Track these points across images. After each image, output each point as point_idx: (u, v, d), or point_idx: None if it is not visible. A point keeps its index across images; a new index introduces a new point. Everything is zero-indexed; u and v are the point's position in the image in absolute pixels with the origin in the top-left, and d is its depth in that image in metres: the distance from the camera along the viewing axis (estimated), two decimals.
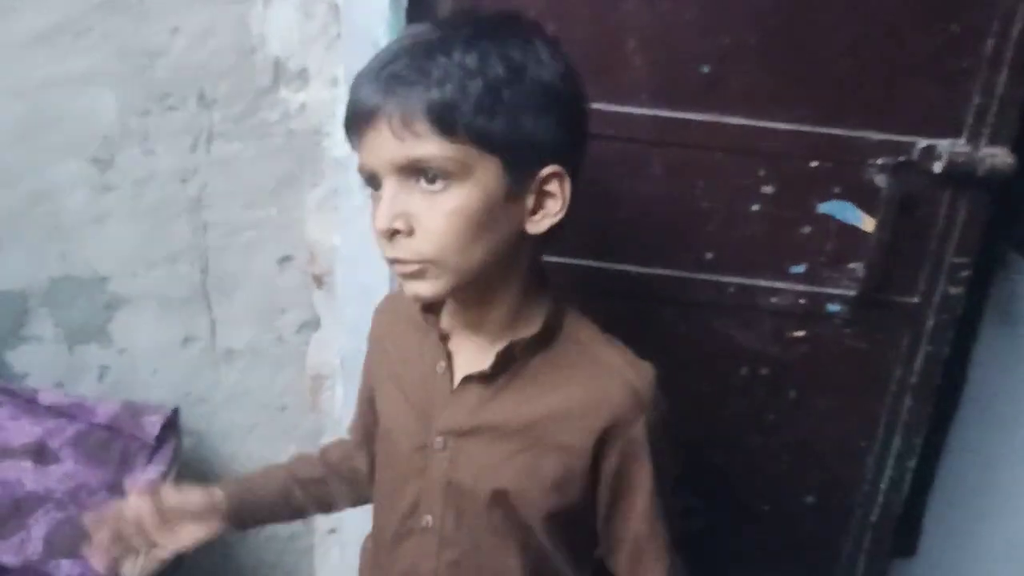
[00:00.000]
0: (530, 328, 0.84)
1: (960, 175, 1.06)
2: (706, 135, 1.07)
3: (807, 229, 1.11)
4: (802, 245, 1.11)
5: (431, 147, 0.74)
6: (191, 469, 1.53)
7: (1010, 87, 1.04)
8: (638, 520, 0.85)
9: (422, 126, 0.74)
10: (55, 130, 1.34)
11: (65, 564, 1.17)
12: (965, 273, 1.11)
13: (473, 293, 0.82)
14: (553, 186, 0.79)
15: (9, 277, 1.42)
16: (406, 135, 0.74)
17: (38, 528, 1.20)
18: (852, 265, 1.11)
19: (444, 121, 0.73)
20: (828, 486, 1.23)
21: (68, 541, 1.20)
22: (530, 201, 0.79)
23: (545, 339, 0.85)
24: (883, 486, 1.22)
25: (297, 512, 1.06)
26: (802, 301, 1.13)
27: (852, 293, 1.12)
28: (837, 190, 1.09)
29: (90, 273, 1.43)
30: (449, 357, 0.88)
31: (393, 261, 0.78)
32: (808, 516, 1.24)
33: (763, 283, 1.13)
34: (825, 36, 1.03)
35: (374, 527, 0.98)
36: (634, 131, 1.07)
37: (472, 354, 0.87)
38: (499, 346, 0.84)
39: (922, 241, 1.11)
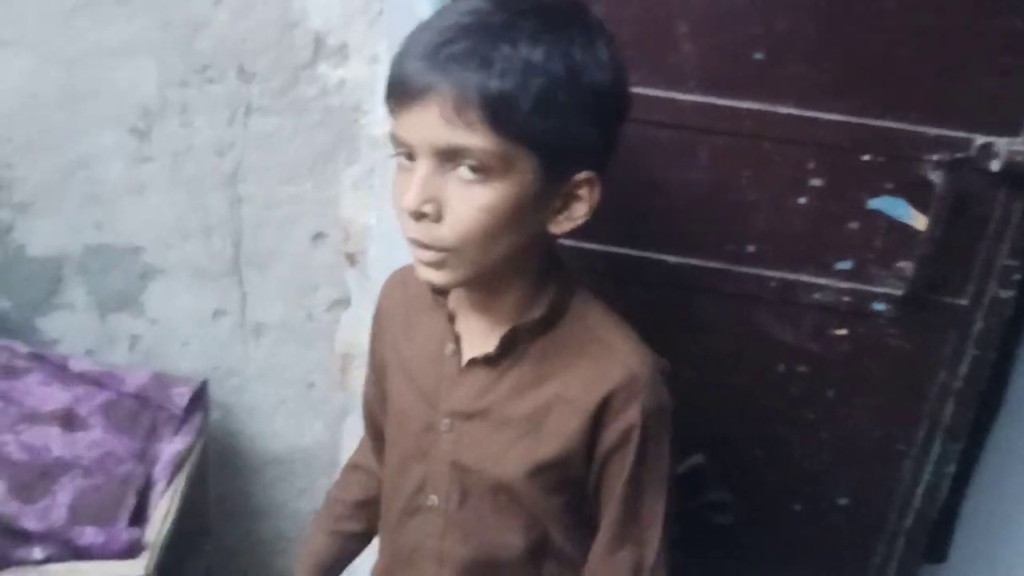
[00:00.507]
0: (536, 311, 0.84)
1: (1017, 175, 1.03)
2: (755, 124, 1.04)
3: (855, 225, 1.07)
4: (849, 241, 1.08)
5: (479, 139, 0.72)
6: (218, 442, 1.53)
7: None
8: (616, 505, 0.84)
9: (475, 115, 0.72)
10: (96, 99, 1.34)
11: (89, 531, 1.18)
12: (1017, 276, 1.08)
13: (485, 280, 0.82)
14: (583, 191, 0.79)
15: (45, 243, 1.43)
16: (457, 121, 0.72)
17: (64, 494, 1.21)
18: (901, 263, 1.08)
19: (499, 115, 0.72)
20: (863, 488, 1.20)
21: (93, 508, 1.20)
22: (557, 203, 0.79)
23: (550, 322, 0.85)
24: (920, 491, 1.19)
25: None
26: (846, 298, 1.10)
27: (899, 292, 1.08)
28: (889, 185, 1.05)
29: (125, 243, 1.44)
30: (457, 339, 0.88)
31: (414, 242, 0.77)
32: (841, 517, 1.22)
33: (806, 278, 1.10)
34: (885, 26, 1.00)
35: (382, 504, 0.98)
36: (681, 118, 1.05)
37: (479, 336, 0.87)
38: (504, 329, 0.84)
39: (974, 241, 1.07)
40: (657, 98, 1.04)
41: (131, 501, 1.24)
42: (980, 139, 1.02)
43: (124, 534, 1.19)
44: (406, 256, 1.25)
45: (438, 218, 0.75)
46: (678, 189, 1.09)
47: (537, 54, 0.72)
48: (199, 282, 1.46)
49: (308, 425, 1.55)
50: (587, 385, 0.82)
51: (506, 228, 0.76)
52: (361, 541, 1.07)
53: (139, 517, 1.24)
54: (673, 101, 1.04)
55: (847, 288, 1.10)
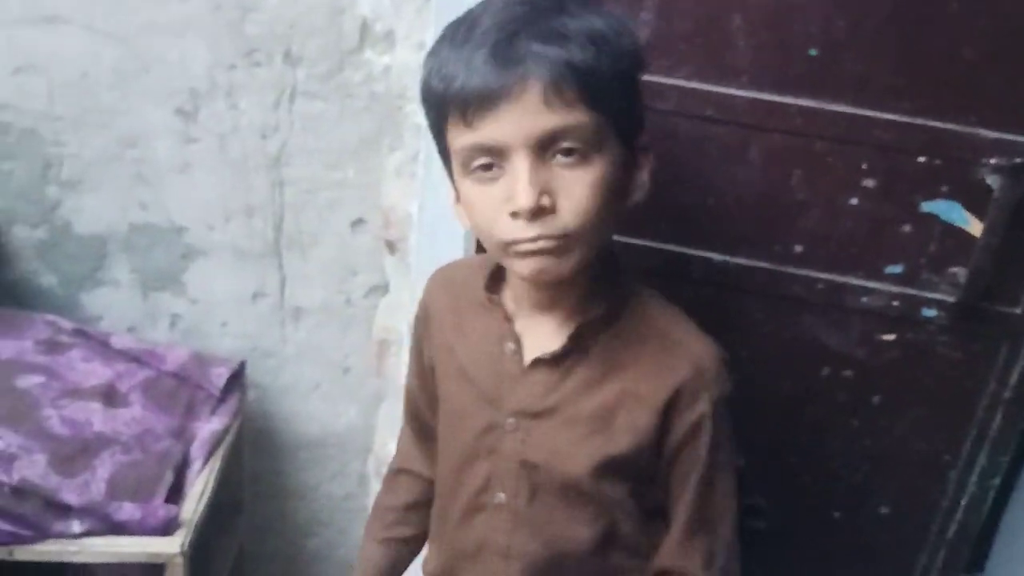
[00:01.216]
0: (598, 307, 0.84)
1: None
2: (808, 122, 1.02)
3: (908, 228, 1.05)
4: (901, 244, 1.05)
5: (579, 115, 0.73)
6: (254, 423, 1.54)
7: None
8: (691, 494, 0.85)
9: (572, 92, 0.72)
10: (145, 79, 1.35)
11: (127, 507, 1.19)
12: None
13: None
14: (643, 157, 0.81)
15: (92, 220, 1.45)
16: (556, 103, 0.72)
17: (103, 469, 1.22)
18: (954, 269, 1.05)
19: (591, 87, 0.72)
20: (905, 498, 1.17)
21: (131, 484, 1.22)
22: (628, 173, 0.80)
23: (613, 317, 0.84)
24: (963, 503, 1.16)
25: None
26: (896, 303, 1.08)
27: (951, 299, 1.06)
28: (944, 189, 1.02)
29: (168, 222, 1.45)
30: (518, 339, 0.87)
31: (527, 240, 0.75)
32: (881, 527, 1.19)
33: (855, 281, 1.08)
34: (947, 26, 0.97)
35: (439, 502, 0.97)
36: (732, 113, 1.03)
37: (541, 335, 0.86)
38: (569, 326, 0.84)
39: None
40: (709, 93, 1.02)
41: (168, 478, 1.25)
42: None
43: (161, 510, 1.21)
44: (449, 246, 1.26)
45: (554, 209, 0.74)
46: (726, 186, 1.07)
47: (597, 24, 0.73)
48: (240, 263, 1.47)
49: (343, 409, 1.56)
50: (656, 379, 0.83)
51: (612, 201, 0.77)
52: (414, 546, 1.06)
53: (176, 494, 1.25)
54: (725, 96, 1.02)
55: (897, 293, 1.07)
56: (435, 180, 1.24)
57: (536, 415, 0.86)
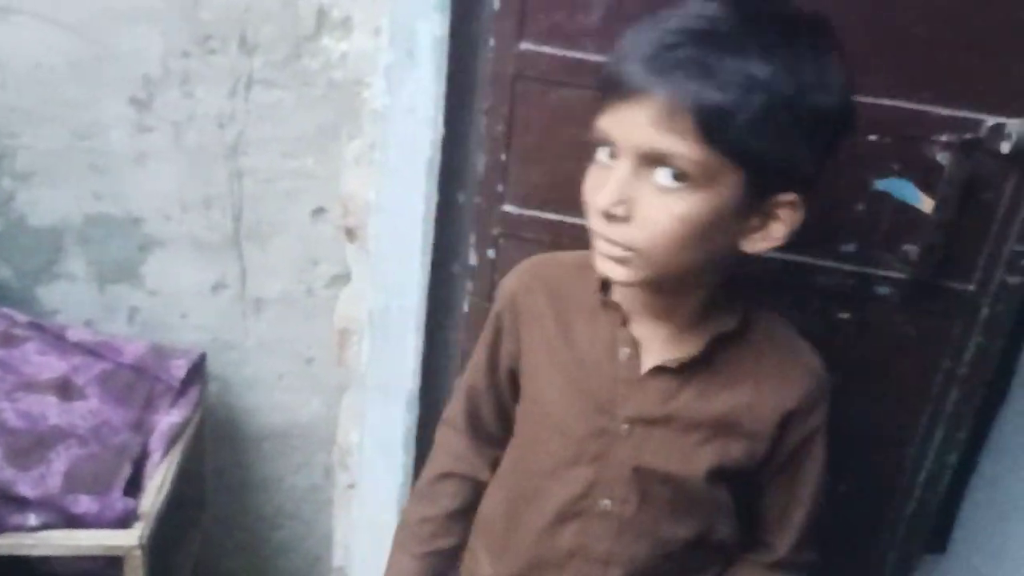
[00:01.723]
0: (728, 320, 0.85)
1: None
2: None
3: (860, 206, 1.05)
4: (854, 223, 1.06)
5: (687, 148, 0.71)
6: (215, 415, 1.53)
7: None
8: (806, 500, 0.90)
9: (687, 124, 0.70)
10: (99, 68, 1.33)
11: (84, 499, 1.18)
12: None
13: (664, 284, 0.81)
14: (784, 211, 0.77)
15: (46, 212, 1.43)
16: (666, 127, 0.71)
17: (59, 462, 1.20)
18: (906, 247, 1.06)
19: (712, 127, 0.70)
20: (863, 476, 1.18)
21: (88, 477, 1.20)
22: (755, 221, 0.77)
23: (742, 331, 0.86)
24: (921, 479, 1.17)
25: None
26: (850, 282, 1.08)
27: (904, 276, 1.06)
28: (896, 167, 1.03)
29: (125, 213, 1.43)
30: (636, 344, 0.87)
31: (601, 237, 0.77)
32: (839, 506, 1.19)
33: (810, 261, 1.08)
34: (895, 3, 0.97)
35: (512, 504, 0.95)
36: None
37: (660, 342, 0.86)
38: (694, 336, 0.85)
39: (983, 226, 1.05)
40: None
41: (126, 471, 1.23)
42: (991, 120, 1.00)
43: (119, 503, 1.19)
44: (407, 234, 1.25)
45: (627, 219, 0.75)
46: None
47: (764, 70, 0.70)
48: (199, 254, 1.45)
49: (306, 400, 1.55)
50: (778, 390, 0.85)
51: (698, 239, 0.75)
52: (454, 558, 1.03)
53: (134, 487, 1.24)
54: None
55: (851, 271, 1.08)
56: (393, 167, 1.24)
57: (653, 421, 0.86)
